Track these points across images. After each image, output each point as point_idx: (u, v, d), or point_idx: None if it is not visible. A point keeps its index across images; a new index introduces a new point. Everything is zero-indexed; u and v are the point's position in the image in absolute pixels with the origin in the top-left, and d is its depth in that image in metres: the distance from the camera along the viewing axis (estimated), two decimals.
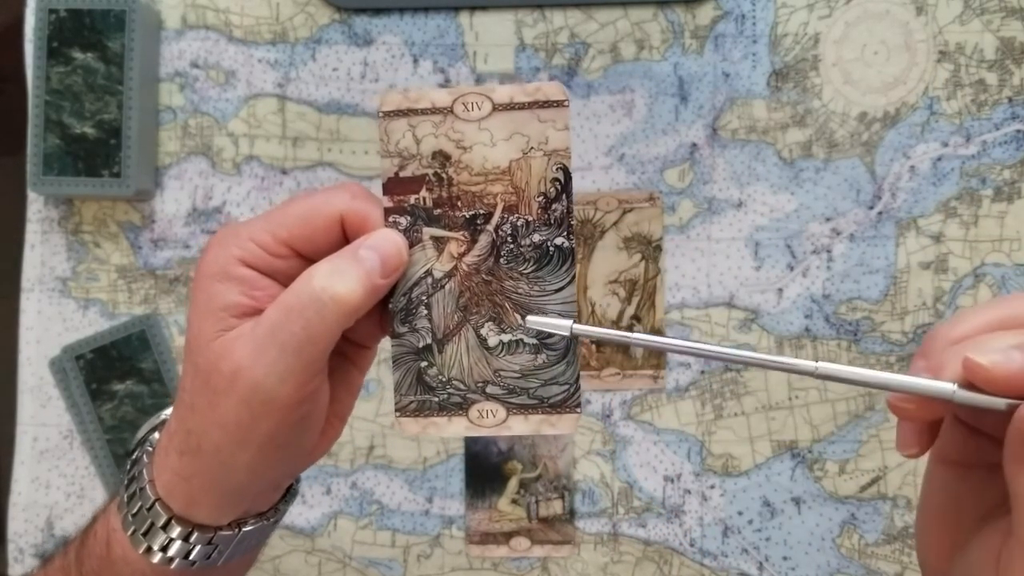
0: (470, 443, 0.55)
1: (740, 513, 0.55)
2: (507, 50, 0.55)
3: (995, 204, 0.54)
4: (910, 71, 0.54)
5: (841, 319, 0.54)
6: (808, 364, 0.29)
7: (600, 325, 0.55)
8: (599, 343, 0.55)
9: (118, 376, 0.55)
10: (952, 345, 0.29)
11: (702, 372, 0.55)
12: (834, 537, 0.54)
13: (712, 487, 0.55)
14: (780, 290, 0.54)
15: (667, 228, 0.55)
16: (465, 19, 0.55)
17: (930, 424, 0.30)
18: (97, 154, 0.54)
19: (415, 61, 0.55)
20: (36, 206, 0.56)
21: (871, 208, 0.54)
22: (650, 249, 0.55)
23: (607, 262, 0.55)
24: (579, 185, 0.55)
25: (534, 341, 0.33)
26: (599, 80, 0.55)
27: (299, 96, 0.56)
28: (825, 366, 0.29)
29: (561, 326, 0.32)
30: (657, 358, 0.55)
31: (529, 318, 0.32)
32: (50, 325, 0.56)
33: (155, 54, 0.56)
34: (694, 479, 0.55)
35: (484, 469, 0.55)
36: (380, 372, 0.55)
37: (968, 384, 0.28)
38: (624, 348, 0.55)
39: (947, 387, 0.28)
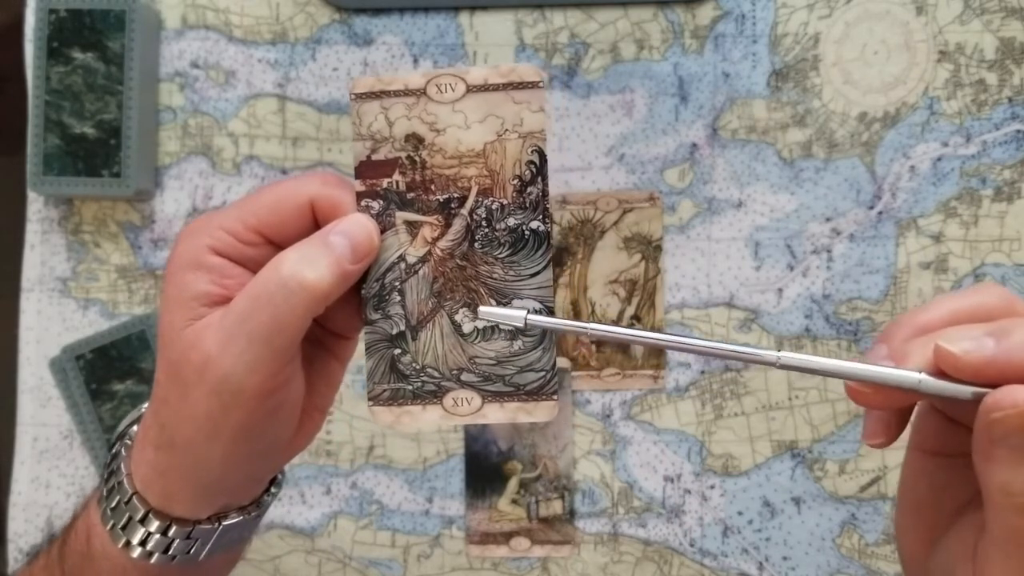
0: (470, 443, 0.55)
1: (740, 513, 0.55)
2: (507, 50, 0.55)
3: (995, 204, 0.54)
4: (910, 71, 0.54)
5: (841, 319, 0.54)
6: (770, 354, 0.29)
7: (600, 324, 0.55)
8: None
9: (118, 376, 0.55)
10: (918, 333, 0.29)
11: (702, 372, 0.55)
12: (834, 537, 0.54)
13: (712, 487, 0.55)
14: (780, 290, 0.54)
15: (667, 228, 0.55)
16: (465, 19, 0.55)
17: (897, 414, 0.30)
18: (97, 154, 0.54)
19: (415, 61, 0.55)
20: (36, 206, 0.56)
21: (871, 208, 0.54)
22: (650, 249, 0.55)
23: (607, 262, 0.55)
24: (579, 185, 0.55)
25: (510, 327, 0.32)
26: (599, 80, 0.55)
27: (299, 96, 0.56)
28: (787, 356, 0.29)
29: (515, 317, 0.31)
30: (657, 358, 0.55)
31: (481, 309, 0.31)
32: (50, 325, 0.56)
33: (155, 54, 0.56)
34: (694, 479, 0.55)
35: (484, 469, 0.55)
36: None
37: (936, 372, 0.27)
38: (624, 348, 0.55)
39: (913, 376, 0.27)
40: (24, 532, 0.56)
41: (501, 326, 0.32)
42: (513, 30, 0.55)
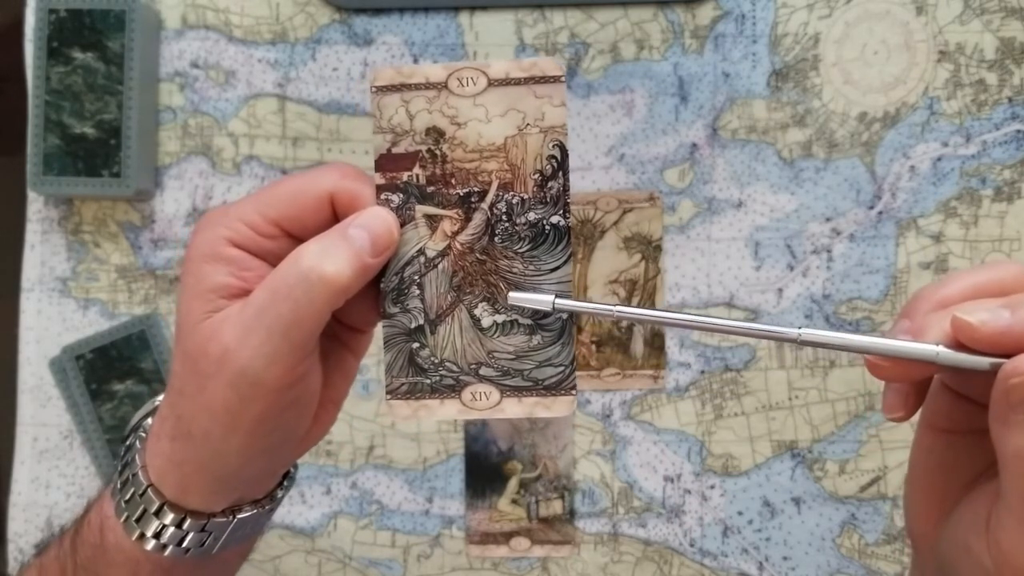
0: (470, 443, 0.55)
1: (740, 513, 0.55)
2: (507, 50, 0.55)
3: (995, 204, 0.54)
4: (910, 71, 0.54)
5: (841, 319, 0.54)
6: (791, 331, 0.29)
7: (601, 325, 0.55)
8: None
9: (118, 376, 0.55)
10: (937, 307, 0.29)
11: (702, 372, 0.55)
12: (834, 537, 0.54)
13: (712, 487, 0.55)
14: (780, 290, 0.54)
15: (667, 228, 0.55)
16: (465, 19, 0.55)
17: (916, 387, 0.31)
18: (97, 154, 0.54)
19: (415, 61, 0.55)
20: (36, 206, 0.56)
21: (871, 208, 0.54)
22: (650, 249, 0.55)
23: (607, 262, 0.55)
24: (579, 185, 0.55)
25: (528, 322, 0.32)
26: (599, 80, 0.55)
27: (299, 96, 0.56)
28: (808, 332, 0.29)
29: (543, 301, 0.31)
30: (657, 358, 0.55)
31: (511, 294, 0.32)
32: (50, 325, 0.56)
33: (155, 54, 0.56)
34: (694, 479, 0.55)
35: (484, 469, 0.55)
36: (380, 371, 0.55)
37: (954, 344, 0.28)
38: (624, 348, 0.55)
39: (930, 349, 0.28)
40: (24, 532, 0.56)
41: (520, 320, 0.32)
42: (513, 30, 0.55)
